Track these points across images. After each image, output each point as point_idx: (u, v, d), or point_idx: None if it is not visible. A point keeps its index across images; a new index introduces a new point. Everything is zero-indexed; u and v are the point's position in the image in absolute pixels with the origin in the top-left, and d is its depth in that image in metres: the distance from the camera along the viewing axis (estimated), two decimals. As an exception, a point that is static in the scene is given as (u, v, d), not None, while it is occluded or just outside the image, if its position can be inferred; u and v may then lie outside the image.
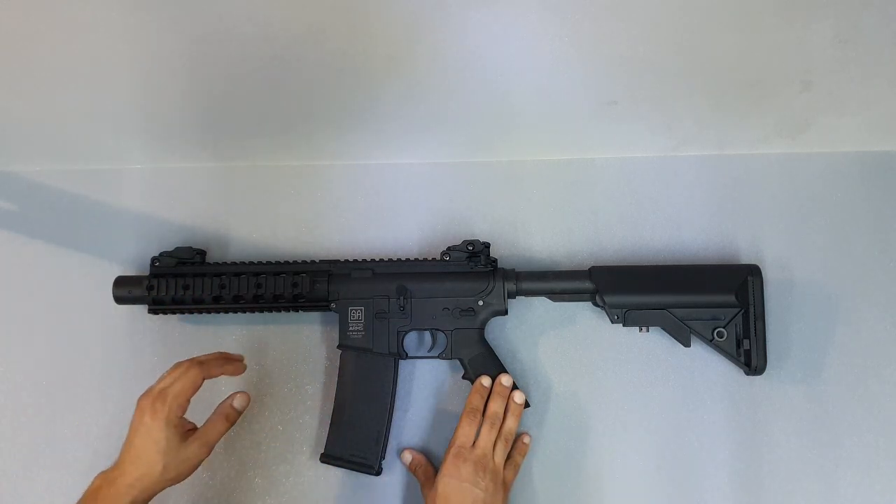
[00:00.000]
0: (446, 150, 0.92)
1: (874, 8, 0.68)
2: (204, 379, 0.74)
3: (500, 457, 0.79)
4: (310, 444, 0.86)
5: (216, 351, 0.79)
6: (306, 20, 0.69)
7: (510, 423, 0.81)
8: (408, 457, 0.84)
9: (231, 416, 0.76)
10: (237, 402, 0.77)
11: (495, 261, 0.85)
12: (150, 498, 0.70)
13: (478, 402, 0.81)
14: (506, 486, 0.79)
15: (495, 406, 0.81)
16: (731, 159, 0.94)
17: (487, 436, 0.79)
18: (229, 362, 0.78)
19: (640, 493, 0.85)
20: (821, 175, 0.93)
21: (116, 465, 0.70)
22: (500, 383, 0.82)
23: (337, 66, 0.75)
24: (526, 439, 0.84)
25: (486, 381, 0.82)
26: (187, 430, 0.73)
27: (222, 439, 0.76)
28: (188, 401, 0.72)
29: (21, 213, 0.93)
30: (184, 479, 0.72)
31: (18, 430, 0.86)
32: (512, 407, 0.82)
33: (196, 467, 0.73)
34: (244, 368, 0.80)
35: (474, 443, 0.78)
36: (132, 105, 0.82)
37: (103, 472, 0.70)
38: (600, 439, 0.86)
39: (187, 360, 0.74)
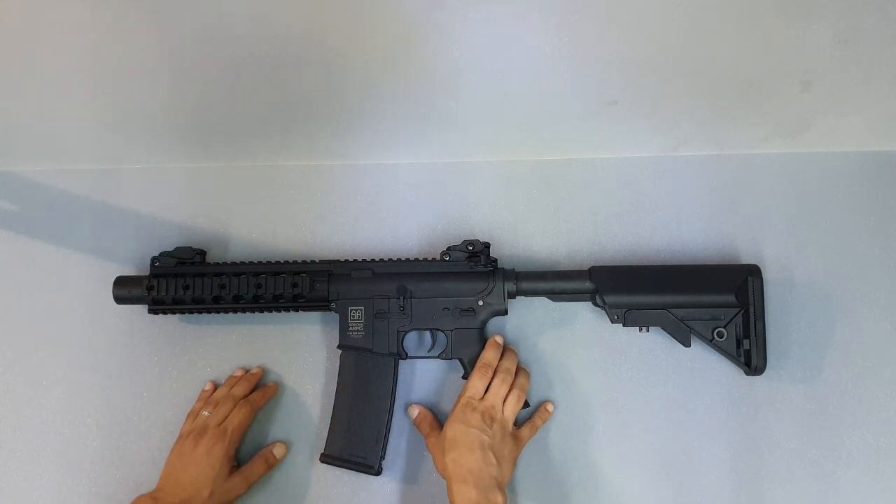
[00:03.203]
0: (446, 150, 0.92)
1: (874, 8, 0.68)
2: (254, 413, 0.83)
3: (510, 409, 0.79)
4: (310, 444, 0.86)
5: (237, 370, 0.87)
6: (306, 20, 0.69)
7: (522, 379, 0.81)
8: (414, 411, 0.84)
9: (270, 461, 0.83)
10: (276, 451, 0.84)
11: (495, 261, 0.85)
12: None
13: (491, 358, 0.81)
14: (519, 441, 0.80)
15: (508, 362, 0.81)
16: (731, 159, 0.94)
17: (498, 389, 0.79)
18: (263, 390, 0.85)
19: (640, 492, 0.85)
20: (821, 175, 0.93)
21: (159, 488, 0.76)
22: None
23: (337, 66, 0.75)
24: (549, 407, 0.85)
25: (499, 338, 0.83)
26: (232, 466, 0.80)
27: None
28: (243, 436, 0.82)
29: (21, 213, 0.93)
30: None
31: (18, 430, 0.86)
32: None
33: (234, 501, 0.79)
34: (275, 390, 0.86)
35: (484, 396, 0.79)
36: (132, 105, 0.82)
37: (144, 495, 0.75)
38: (600, 439, 0.86)
39: (230, 396, 0.83)
